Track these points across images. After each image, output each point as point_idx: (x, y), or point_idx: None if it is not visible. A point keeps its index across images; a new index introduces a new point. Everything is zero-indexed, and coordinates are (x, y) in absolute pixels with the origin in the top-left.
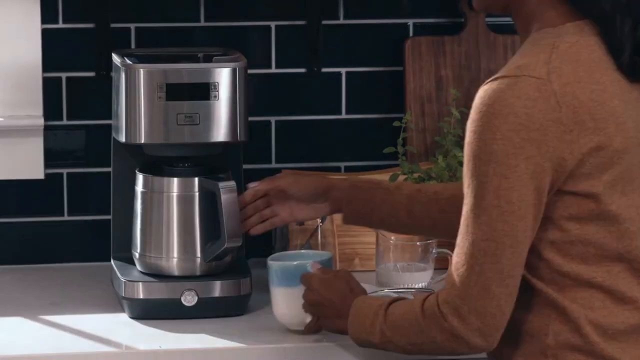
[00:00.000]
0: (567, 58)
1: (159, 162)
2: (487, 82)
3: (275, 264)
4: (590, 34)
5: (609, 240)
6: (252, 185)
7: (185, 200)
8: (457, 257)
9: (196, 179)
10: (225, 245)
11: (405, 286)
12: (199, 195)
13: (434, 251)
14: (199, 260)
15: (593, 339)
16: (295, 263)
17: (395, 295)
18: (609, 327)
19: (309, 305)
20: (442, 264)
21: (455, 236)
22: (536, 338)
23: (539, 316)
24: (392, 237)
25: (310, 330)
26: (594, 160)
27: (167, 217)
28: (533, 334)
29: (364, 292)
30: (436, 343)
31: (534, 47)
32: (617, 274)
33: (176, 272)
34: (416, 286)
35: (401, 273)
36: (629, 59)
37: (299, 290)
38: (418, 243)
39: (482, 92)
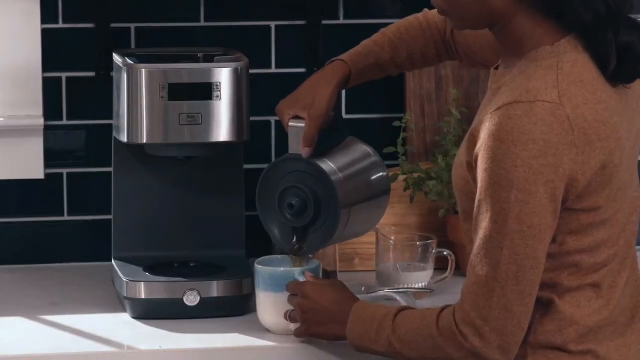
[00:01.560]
0: (573, 79)
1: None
2: (501, 108)
3: (263, 269)
4: (584, 50)
5: (601, 246)
6: (306, 152)
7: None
8: (476, 279)
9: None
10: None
11: (405, 286)
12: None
13: (433, 251)
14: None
15: (572, 339)
16: (282, 269)
17: (395, 295)
18: (594, 325)
19: (302, 312)
20: (442, 264)
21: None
22: None
23: None
24: (392, 238)
25: (301, 335)
26: (599, 179)
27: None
28: None
29: (357, 299)
30: (453, 359)
31: (538, 69)
32: (606, 272)
33: None
34: (416, 286)
35: (401, 273)
36: (615, 67)
37: (284, 296)
38: (418, 243)
39: (497, 119)
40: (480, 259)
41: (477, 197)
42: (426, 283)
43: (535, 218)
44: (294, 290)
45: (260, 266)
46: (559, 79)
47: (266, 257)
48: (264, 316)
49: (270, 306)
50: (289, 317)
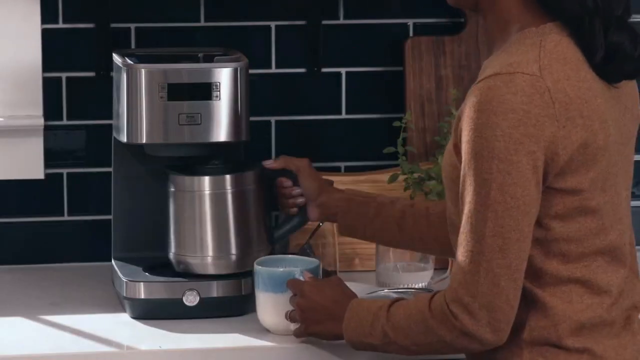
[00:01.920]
0: (555, 56)
1: (188, 161)
2: (481, 81)
3: (262, 269)
4: (569, 35)
5: (588, 237)
6: (268, 162)
7: (217, 199)
8: (463, 256)
9: (228, 176)
10: (307, 220)
11: (405, 286)
12: (234, 192)
13: None
14: (233, 257)
15: (567, 335)
16: (281, 269)
17: (396, 295)
18: (587, 321)
19: (300, 311)
20: (442, 264)
21: (444, 252)
22: (513, 332)
23: (519, 310)
24: None
25: (300, 335)
26: (581, 157)
27: (200, 216)
28: (512, 327)
29: (356, 296)
30: (445, 342)
31: (520, 46)
32: (596, 268)
33: (211, 271)
34: (416, 286)
35: (401, 273)
36: (601, 62)
37: (285, 296)
38: None
39: (477, 91)
40: (466, 234)
41: (462, 173)
42: (426, 283)
43: (518, 189)
44: (294, 289)
45: (260, 266)
46: (541, 55)
47: (266, 257)
48: (264, 316)
49: (269, 306)
50: (289, 317)
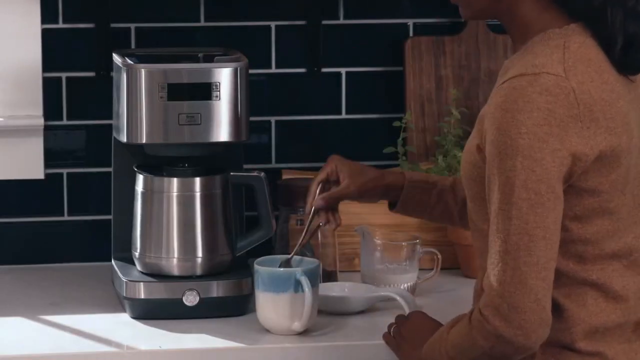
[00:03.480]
0: (579, 57)
1: (158, 162)
2: (505, 81)
3: (262, 269)
4: (592, 36)
5: (605, 238)
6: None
7: (185, 201)
8: (491, 258)
9: (197, 179)
10: (271, 234)
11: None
12: (202, 194)
13: (420, 251)
14: (199, 260)
15: (581, 339)
16: (281, 269)
17: (396, 295)
18: (600, 326)
19: (400, 333)
20: (429, 264)
21: None
22: None
23: None
24: (378, 237)
25: (391, 346)
26: (605, 159)
27: (167, 217)
28: None
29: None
30: (485, 351)
31: (544, 48)
32: (612, 272)
33: (176, 272)
34: (403, 286)
35: (387, 274)
36: (620, 52)
37: (285, 296)
38: (404, 243)
39: (502, 91)
40: (493, 234)
41: (487, 173)
42: (412, 283)
43: (542, 185)
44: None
45: (260, 266)
46: (565, 57)
47: (266, 257)
48: (264, 316)
49: (269, 306)
50: (386, 337)
